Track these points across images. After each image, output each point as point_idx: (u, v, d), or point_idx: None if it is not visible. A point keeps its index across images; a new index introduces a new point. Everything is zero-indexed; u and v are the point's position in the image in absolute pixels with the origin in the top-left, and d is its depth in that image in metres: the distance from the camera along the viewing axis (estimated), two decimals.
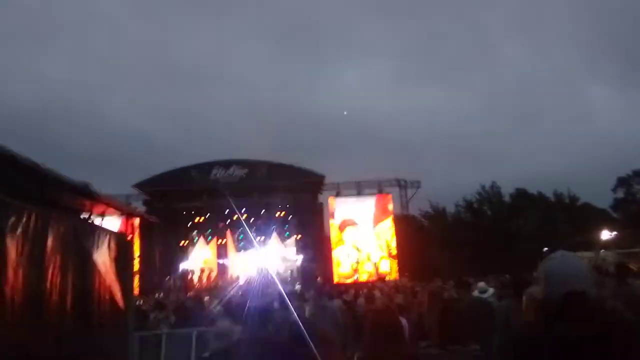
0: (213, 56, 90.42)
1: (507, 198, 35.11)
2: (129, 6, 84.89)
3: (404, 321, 5.04)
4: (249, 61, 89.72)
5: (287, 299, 7.32)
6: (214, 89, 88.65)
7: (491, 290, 6.64)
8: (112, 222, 6.24)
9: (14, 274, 3.64)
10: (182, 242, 30.68)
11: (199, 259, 31.08)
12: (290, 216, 30.52)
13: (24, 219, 3.84)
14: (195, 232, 31.35)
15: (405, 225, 30.52)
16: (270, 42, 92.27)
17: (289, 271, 28.84)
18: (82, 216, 4.90)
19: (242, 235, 31.50)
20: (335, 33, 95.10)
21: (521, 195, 36.51)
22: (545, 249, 28.26)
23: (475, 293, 6.36)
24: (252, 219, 30.35)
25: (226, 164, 29.76)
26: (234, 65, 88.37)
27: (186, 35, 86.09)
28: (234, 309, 6.37)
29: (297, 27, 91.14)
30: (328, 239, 29.45)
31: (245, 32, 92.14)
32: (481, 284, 6.65)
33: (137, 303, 11.19)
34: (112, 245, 5.49)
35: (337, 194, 29.81)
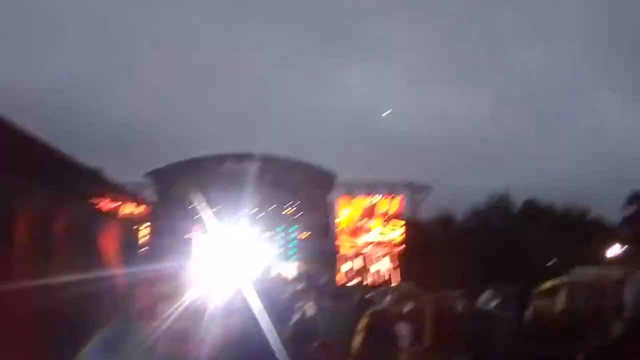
0: (225, 49, 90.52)
1: (517, 208, 34.88)
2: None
3: (405, 328, 5.06)
4: (259, 56, 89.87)
5: (291, 298, 7.37)
6: (224, 83, 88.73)
7: (495, 302, 6.60)
8: (122, 209, 6.29)
9: (23, 254, 3.68)
10: (190, 233, 30.80)
11: (205, 252, 31.23)
12: (299, 213, 30.54)
13: (36, 201, 3.89)
14: (204, 224, 31.48)
15: (414, 230, 30.43)
16: (281, 38, 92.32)
17: (295, 269, 28.91)
18: (92, 201, 4.95)
19: (249, 231, 31.62)
20: (348, 31, 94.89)
21: (531, 205, 36.25)
22: (553, 261, 28.13)
23: (481, 303, 6.33)
24: (262, 214, 30.41)
25: (239, 157, 29.83)
26: (246, 59, 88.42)
27: (196, 27, 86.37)
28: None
29: (308, 24, 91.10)
30: (335, 238, 29.46)
31: (256, 28, 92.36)
32: (486, 294, 6.62)
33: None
34: (120, 231, 5.53)
35: (348, 194, 29.79)
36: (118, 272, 5.37)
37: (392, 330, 3.52)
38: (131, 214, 5.91)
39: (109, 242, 5.19)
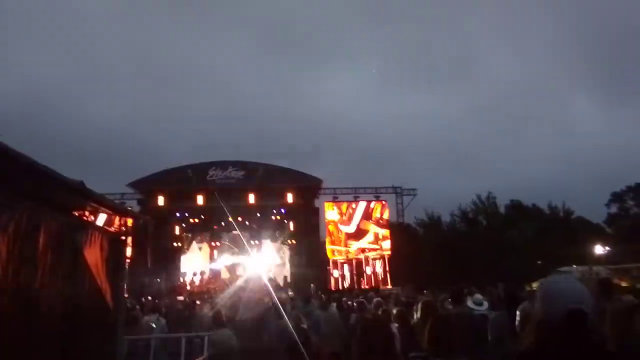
0: (203, 59, 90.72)
1: (502, 209, 35.20)
2: (120, 9, 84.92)
3: (394, 330, 5.03)
4: (236, 64, 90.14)
5: (280, 307, 7.28)
6: (204, 91, 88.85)
7: (487, 304, 6.60)
8: (106, 221, 6.17)
9: (3, 270, 3.58)
10: (176, 243, 30.52)
11: (191, 261, 31.00)
12: (286, 220, 30.43)
13: (17, 216, 3.79)
14: (189, 234, 31.24)
15: (400, 233, 30.51)
16: (257, 46, 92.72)
17: (283, 277, 28.77)
18: (75, 214, 4.84)
19: (235, 238, 31.43)
20: (324, 38, 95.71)
21: (516, 206, 36.62)
22: (539, 261, 28.39)
23: (471, 305, 6.32)
24: (247, 222, 30.24)
25: (223, 165, 29.67)
26: (223, 68, 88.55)
27: (174, 37, 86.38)
28: (225, 318, 6.30)
29: (284, 31, 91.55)
30: (323, 244, 29.40)
31: (233, 36, 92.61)
32: (477, 296, 6.61)
33: (128, 305, 11.08)
34: (105, 244, 5.42)
35: (334, 199, 29.78)
36: (104, 285, 5.27)
37: (384, 336, 3.48)
38: (116, 225, 5.81)
39: (93, 255, 5.08)
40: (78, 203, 4.72)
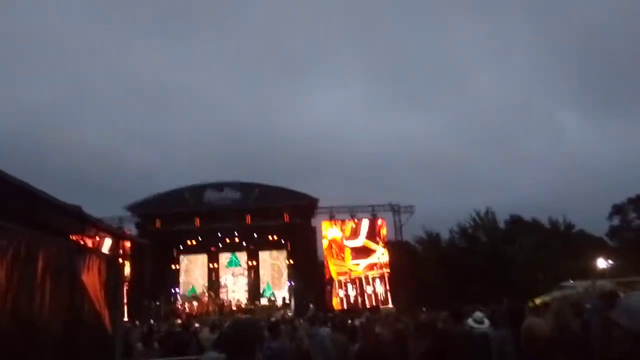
0: (193, 82, 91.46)
1: (502, 224, 35.13)
2: (110, 33, 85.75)
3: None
4: (226, 85, 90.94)
5: (277, 327, 7.21)
6: (195, 113, 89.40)
7: (487, 322, 6.53)
8: (103, 245, 6.14)
9: (1, 295, 3.55)
10: (174, 265, 30.36)
11: (190, 283, 30.80)
12: (283, 240, 30.32)
13: (14, 242, 3.77)
14: (186, 256, 31.11)
15: (399, 251, 30.39)
16: (245, 67, 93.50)
17: (282, 297, 28.56)
18: (73, 239, 4.82)
19: (234, 259, 31.29)
20: (312, 57, 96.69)
21: (516, 221, 36.58)
22: (540, 276, 28.26)
23: (471, 323, 6.26)
24: (244, 242, 30.12)
25: (219, 187, 29.63)
26: (213, 89, 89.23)
27: (160, 59, 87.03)
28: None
29: (272, 51, 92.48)
30: (321, 263, 29.25)
31: (223, 58, 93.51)
32: (478, 314, 6.54)
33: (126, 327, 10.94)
34: (103, 268, 5.38)
35: (331, 218, 29.70)
36: (103, 309, 5.22)
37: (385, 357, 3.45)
38: (114, 249, 5.77)
39: (91, 279, 5.05)
40: (75, 227, 4.70)
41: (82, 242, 4.97)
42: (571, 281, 23.82)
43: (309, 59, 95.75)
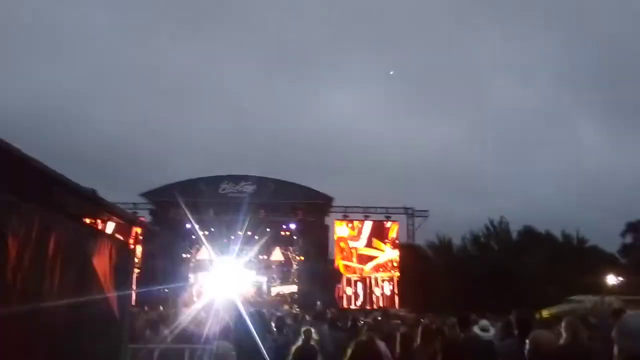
0: (211, 74, 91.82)
1: (514, 234, 34.80)
2: (130, 24, 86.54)
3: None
4: (244, 81, 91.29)
5: (284, 321, 7.24)
6: (213, 106, 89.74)
7: (493, 330, 6.49)
8: (115, 229, 6.19)
9: (12, 276, 3.59)
10: (185, 254, 30.56)
11: (199, 273, 31.00)
12: (295, 236, 30.36)
13: (28, 221, 3.81)
14: (198, 246, 31.29)
15: (410, 255, 30.28)
16: (262, 64, 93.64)
17: (290, 292, 28.65)
18: (85, 222, 4.86)
19: (244, 252, 31.43)
20: (331, 58, 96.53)
21: (528, 232, 36.19)
22: (550, 289, 27.94)
23: (477, 331, 6.22)
24: (257, 236, 30.22)
25: (235, 179, 29.75)
26: (231, 84, 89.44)
27: (181, 54, 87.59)
28: (230, 332, 6.27)
29: (290, 50, 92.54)
30: (332, 262, 29.26)
31: (241, 53, 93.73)
32: (484, 322, 6.51)
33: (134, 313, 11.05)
34: (114, 252, 5.43)
35: (344, 218, 29.68)
36: (112, 294, 5.27)
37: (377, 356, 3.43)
38: (127, 234, 5.82)
39: (102, 263, 5.10)
40: (89, 211, 4.74)
41: (94, 226, 5.01)
42: (580, 296, 23.54)
43: (329, 61, 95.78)
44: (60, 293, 4.25)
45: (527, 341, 3.48)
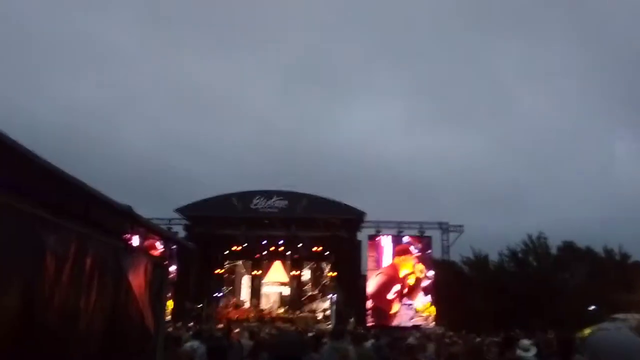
0: (236, 90, 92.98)
1: (554, 250, 33.83)
2: (154, 40, 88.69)
3: None
4: (268, 96, 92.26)
5: (320, 340, 7.14)
6: (239, 123, 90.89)
7: (534, 350, 6.25)
8: (150, 246, 6.23)
9: (50, 291, 3.64)
10: (218, 270, 30.77)
11: (233, 288, 31.18)
12: (328, 252, 30.22)
13: (66, 237, 3.86)
14: (231, 261, 31.50)
15: (446, 271, 29.73)
16: (285, 79, 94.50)
17: (322, 310, 28.48)
18: (121, 238, 4.91)
19: (276, 267, 31.46)
20: (354, 72, 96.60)
21: (568, 248, 35.10)
22: (593, 307, 26.98)
23: (518, 351, 6.00)
24: (289, 251, 30.20)
25: (267, 194, 29.90)
26: (255, 100, 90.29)
27: (206, 70, 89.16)
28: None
29: (315, 66, 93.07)
30: (365, 278, 28.97)
31: (265, 69, 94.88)
32: (525, 342, 6.28)
33: (169, 329, 11.14)
34: (149, 269, 5.47)
35: (377, 233, 29.42)
36: (146, 310, 5.30)
37: None
38: (161, 250, 5.86)
39: (137, 279, 5.13)
40: (125, 227, 4.79)
41: (130, 242, 5.06)
42: (624, 314, 22.64)
43: (352, 75, 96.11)
44: (96, 309, 4.30)
45: None
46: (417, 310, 27.47)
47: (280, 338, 2.69)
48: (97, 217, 4.40)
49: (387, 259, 28.74)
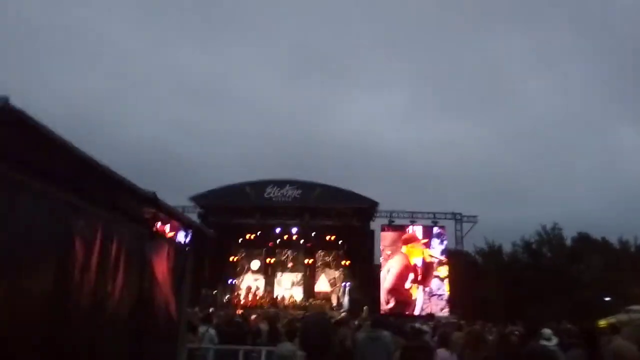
0: (240, 81, 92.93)
1: (568, 241, 33.56)
2: (156, 32, 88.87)
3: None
4: (273, 87, 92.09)
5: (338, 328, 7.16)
6: (244, 113, 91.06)
7: (555, 339, 6.22)
8: (172, 233, 6.26)
9: (79, 276, 3.69)
10: (232, 257, 30.95)
11: (246, 275, 31.37)
12: (341, 241, 30.24)
13: (92, 223, 3.90)
14: (244, 249, 31.66)
15: (459, 261, 29.64)
16: (286, 69, 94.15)
17: (336, 297, 28.57)
18: (145, 224, 4.94)
19: (290, 256, 31.58)
20: (357, 62, 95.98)
21: (583, 239, 34.83)
22: (608, 298, 26.80)
23: (540, 341, 5.98)
24: (302, 240, 30.26)
25: (280, 184, 29.89)
26: (261, 90, 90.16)
27: (210, 59, 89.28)
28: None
29: (313, 56, 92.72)
30: (378, 267, 28.98)
31: (268, 58, 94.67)
32: (547, 331, 6.25)
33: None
34: (171, 255, 5.52)
35: (390, 222, 29.36)
36: (169, 295, 5.35)
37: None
38: (180, 237, 5.90)
39: (160, 265, 5.18)
40: (149, 213, 4.81)
41: (153, 228, 5.08)
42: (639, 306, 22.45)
43: (356, 66, 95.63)
44: (122, 293, 4.35)
45: (609, 353, 3.29)
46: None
47: (310, 328, 2.69)
48: (122, 203, 4.42)
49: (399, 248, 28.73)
